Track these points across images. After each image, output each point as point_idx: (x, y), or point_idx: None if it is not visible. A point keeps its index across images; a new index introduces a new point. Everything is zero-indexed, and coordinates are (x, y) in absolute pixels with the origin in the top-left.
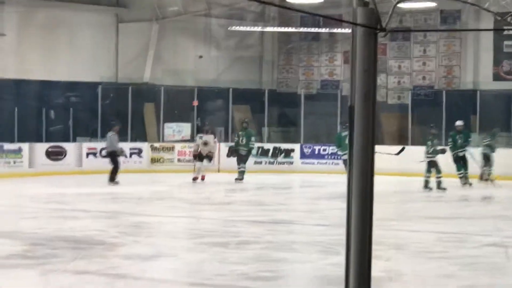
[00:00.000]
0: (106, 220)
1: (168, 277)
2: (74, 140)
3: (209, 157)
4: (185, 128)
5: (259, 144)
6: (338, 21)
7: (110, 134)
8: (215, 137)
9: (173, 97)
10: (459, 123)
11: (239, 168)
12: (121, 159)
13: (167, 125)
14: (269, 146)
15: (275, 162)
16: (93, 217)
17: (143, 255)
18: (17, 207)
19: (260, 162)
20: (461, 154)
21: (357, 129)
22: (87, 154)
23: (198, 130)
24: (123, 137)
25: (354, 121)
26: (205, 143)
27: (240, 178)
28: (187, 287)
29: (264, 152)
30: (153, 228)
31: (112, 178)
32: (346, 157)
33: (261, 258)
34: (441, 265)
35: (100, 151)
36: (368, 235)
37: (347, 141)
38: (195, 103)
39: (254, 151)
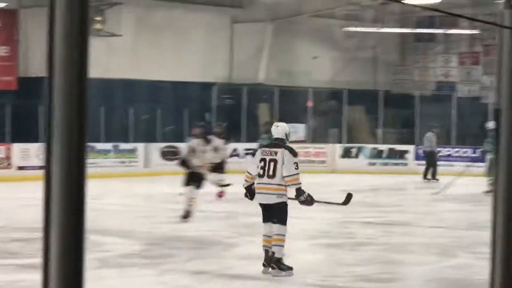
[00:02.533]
0: (221, 220)
1: (284, 278)
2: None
3: (221, 168)
4: (300, 129)
5: (374, 145)
6: (481, 22)
7: (429, 134)
8: (226, 142)
9: (288, 98)
10: None
11: None
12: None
13: None
14: (384, 147)
15: (389, 164)
16: (208, 217)
17: (259, 255)
18: (133, 207)
19: (374, 164)
20: None
21: (504, 133)
22: None
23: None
24: (237, 137)
25: (501, 125)
26: (215, 149)
27: None
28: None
29: (378, 154)
30: None
31: (426, 175)
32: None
33: (377, 260)
34: None
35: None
36: None
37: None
38: (310, 104)
39: None
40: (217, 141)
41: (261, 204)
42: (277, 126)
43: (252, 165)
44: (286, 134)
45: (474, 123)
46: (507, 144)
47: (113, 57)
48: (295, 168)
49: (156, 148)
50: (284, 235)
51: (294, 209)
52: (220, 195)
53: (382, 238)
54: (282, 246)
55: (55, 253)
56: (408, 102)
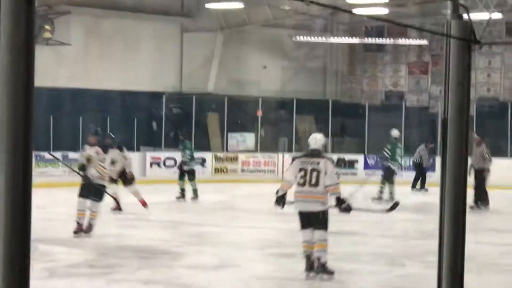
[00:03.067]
0: (170, 230)
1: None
2: (138, 150)
3: (127, 179)
4: (249, 138)
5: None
6: (429, 32)
7: (421, 147)
8: (122, 151)
9: (237, 107)
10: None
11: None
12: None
13: (231, 135)
14: (333, 156)
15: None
16: (157, 226)
17: (207, 265)
18: None
19: None
20: None
21: (451, 142)
22: (151, 164)
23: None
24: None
25: (448, 134)
26: (112, 162)
27: (180, 196)
28: None
29: None
30: (217, 238)
31: (415, 185)
32: (393, 167)
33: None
34: (510, 279)
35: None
36: (461, 248)
37: (398, 153)
38: (259, 113)
39: (195, 165)
40: (111, 153)
41: (302, 212)
42: (315, 137)
43: (290, 174)
44: (323, 145)
45: (422, 133)
46: (454, 154)
47: (63, 66)
48: (337, 178)
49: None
50: (327, 241)
51: (241, 218)
52: (144, 204)
53: (332, 248)
54: (326, 251)
55: (0, 263)
56: (357, 112)
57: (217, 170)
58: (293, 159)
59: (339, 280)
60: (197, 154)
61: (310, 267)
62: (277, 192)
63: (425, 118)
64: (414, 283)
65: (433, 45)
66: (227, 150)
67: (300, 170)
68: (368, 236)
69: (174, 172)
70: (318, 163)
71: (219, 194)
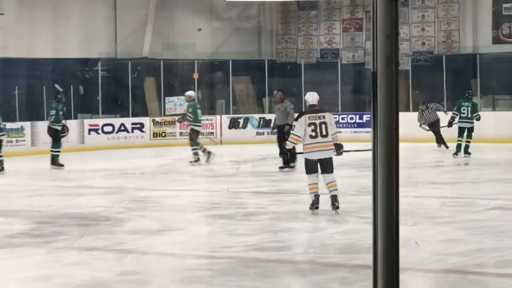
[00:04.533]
0: (111, 196)
1: (176, 250)
2: (76, 117)
3: None
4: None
5: (261, 115)
6: None
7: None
8: None
9: (173, 71)
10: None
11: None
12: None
13: (168, 99)
14: (271, 116)
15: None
16: (98, 193)
17: (150, 230)
18: (22, 186)
19: (262, 133)
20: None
21: (381, 96)
22: (89, 131)
23: None
24: (124, 113)
25: (377, 88)
26: None
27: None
28: (196, 260)
29: (266, 123)
30: (158, 202)
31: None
32: (197, 128)
33: (269, 229)
34: (447, 230)
35: None
36: (395, 202)
37: (199, 113)
38: (196, 76)
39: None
40: None
41: (312, 160)
42: (312, 95)
43: (299, 129)
44: (318, 100)
45: (359, 89)
46: (384, 107)
47: None
48: (336, 127)
49: (43, 126)
50: (336, 181)
51: (182, 181)
52: None
53: (273, 207)
54: (337, 189)
55: None
56: (294, 71)
57: (155, 135)
58: (299, 116)
59: (281, 240)
60: (135, 119)
61: (316, 204)
62: (285, 145)
63: (361, 74)
64: (355, 239)
65: (366, 1)
66: (164, 114)
67: (310, 124)
68: (307, 194)
69: (112, 138)
70: (324, 117)
71: (159, 158)
